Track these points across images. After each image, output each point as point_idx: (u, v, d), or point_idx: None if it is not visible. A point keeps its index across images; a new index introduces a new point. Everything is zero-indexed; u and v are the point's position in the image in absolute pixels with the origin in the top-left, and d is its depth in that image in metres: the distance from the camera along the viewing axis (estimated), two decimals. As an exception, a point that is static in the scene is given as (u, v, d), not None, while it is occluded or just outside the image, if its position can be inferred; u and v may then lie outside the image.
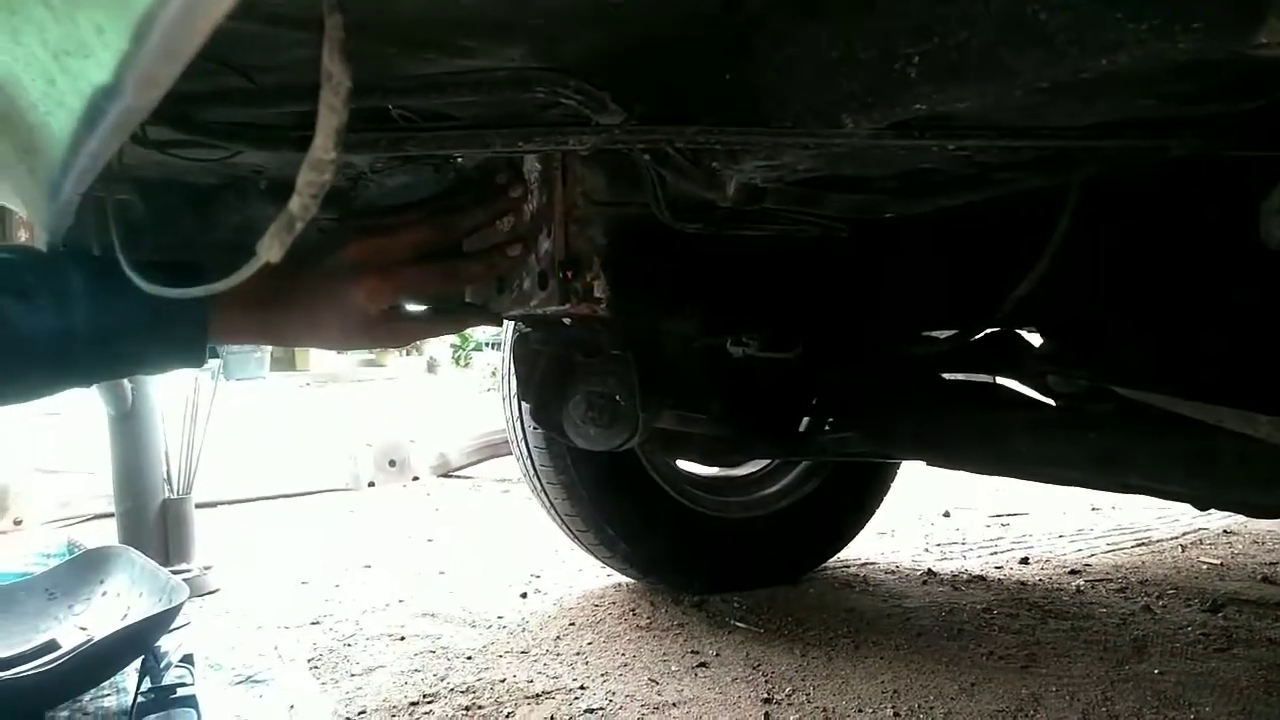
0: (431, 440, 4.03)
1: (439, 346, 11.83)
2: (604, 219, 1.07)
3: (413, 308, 1.08)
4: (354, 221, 1.04)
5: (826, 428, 1.61)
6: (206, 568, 2.23)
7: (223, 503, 3.38)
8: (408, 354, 11.67)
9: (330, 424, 5.53)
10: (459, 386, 9.05)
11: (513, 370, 1.82)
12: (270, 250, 0.49)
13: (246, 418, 5.79)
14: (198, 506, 2.31)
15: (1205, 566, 2.21)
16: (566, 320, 1.20)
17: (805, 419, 1.63)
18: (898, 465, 2.18)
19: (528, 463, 1.93)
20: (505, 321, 1.45)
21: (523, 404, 1.71)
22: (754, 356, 1.49)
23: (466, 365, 11.34)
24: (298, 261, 0.90)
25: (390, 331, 1.00)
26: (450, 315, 1.10)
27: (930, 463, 1.44)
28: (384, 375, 11.02)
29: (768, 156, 0.79)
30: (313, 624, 1.88)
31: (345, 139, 0.45)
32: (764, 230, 1.14)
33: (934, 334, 1.43)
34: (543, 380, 1.27)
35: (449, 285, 1.05)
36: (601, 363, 1.22)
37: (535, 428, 1.79)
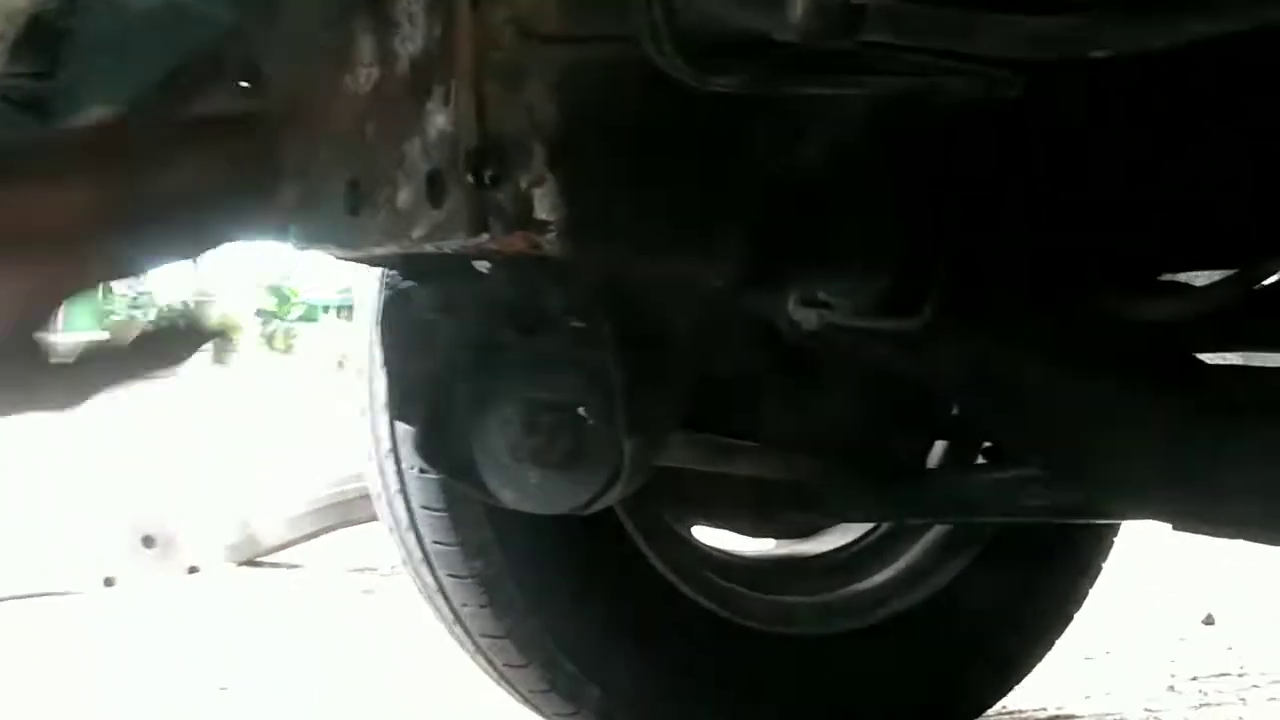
0: (224, 500, 3.64)
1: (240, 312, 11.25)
2: (552, 68, 1.06)
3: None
4: None
5: (980, 460, 1.66)
6: None
7: None
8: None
9: (53, 469, 5.01)
10: (275, 386, 8.48)
11: (380, 360, 1.72)
12: None
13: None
14: None
15: None
16: (483, 265, 1.20)
17: (939, 443, 1.69)
18: (1114, 530, 2.00)
19: (410, 537, 1.78)
20: (363, 268, 1.52)
21: (398, 424, 1.71)
22: (842, 327, 1.42)
23: (287, 349, 10.45)
24: None
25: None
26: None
27: (1182, 525, 1.38)
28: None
29: None
30: None
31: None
32: (860, 88, 1.11)
33: (1178, 280, 1.40)
34: (439, 380, 1.27)
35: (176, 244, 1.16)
36: (552, 345, 1.22)
37: (423, 470, 1.72)
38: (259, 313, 10.44)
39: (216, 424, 6.80)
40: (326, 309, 10.06)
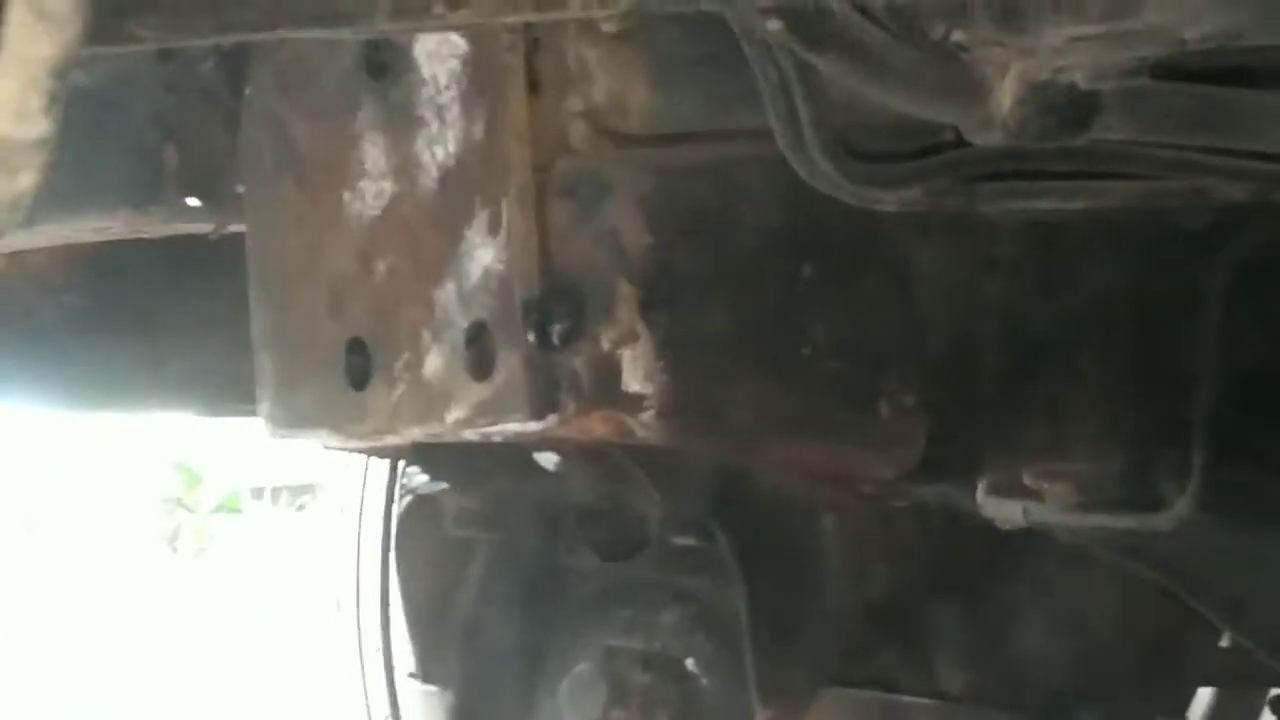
0: None
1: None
2: (645, 178, 1.10)
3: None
4: None
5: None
6: None
7: None
8: None
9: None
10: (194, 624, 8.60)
11: (392, 590, 1.75)
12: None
13: None
14: None
15: None
16: (548, 459, 1.22)
17: (1204, 692, 1.80)
18: None
19: None
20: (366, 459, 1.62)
21: (427, 685, 1.61)
22: (1058, 526, 1.43)
23: (198, 554, 10.26)
24: None
25: None
26: None
27: None
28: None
29: (1109, 14, 0.83)
30: None
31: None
32: (1087, 200, 1.13)
33: None
34: (480, 623, 1.30)
35: None
36: (647, 572, 1.26)
37: None
38: (163, 501, 10.47)
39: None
40: (259, 493, 10.04)
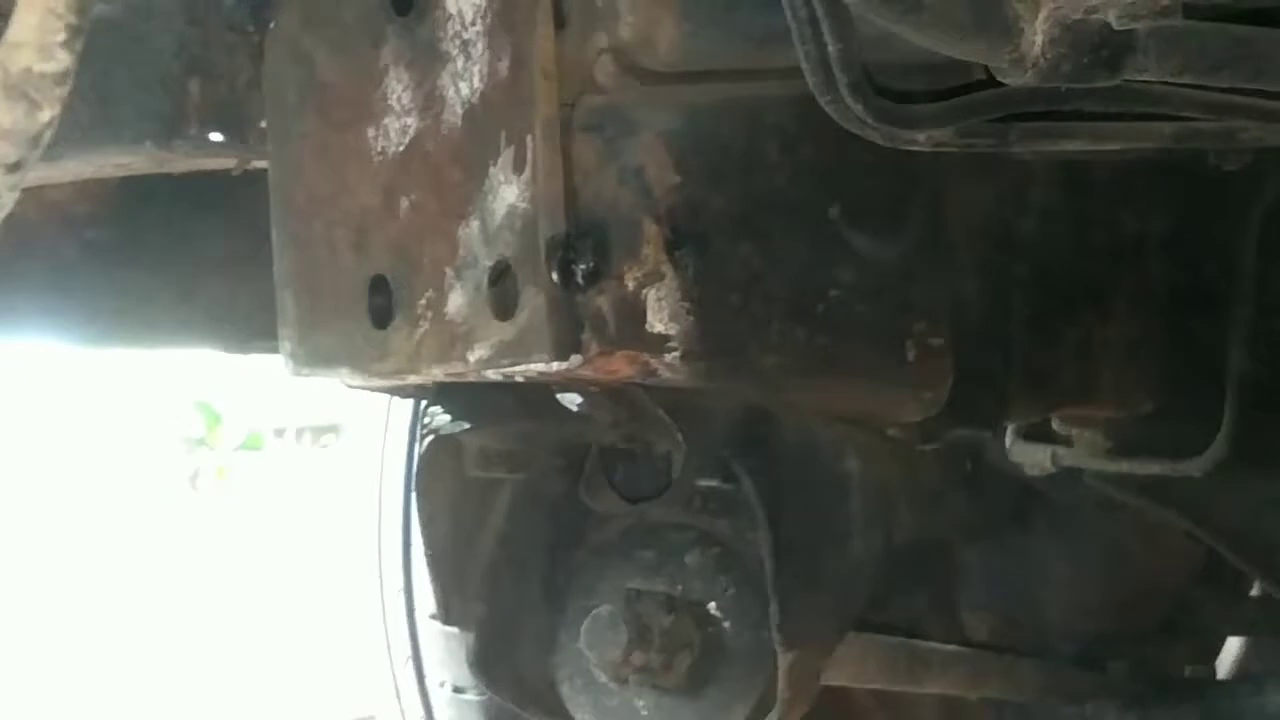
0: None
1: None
2: (672, 115, 1.10)
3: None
4: None
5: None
6: None
7: None
8: None
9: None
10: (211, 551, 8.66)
11: (414, 531, 1.81)
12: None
13: None
14: None
15: None
16: (572, 399, 1.23)
17: (1234, 641, 1.81)
18: None
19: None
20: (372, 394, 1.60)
21: (431, 625, 1.76)
22: (1087, 472, 1.44)
23: (221, 490, 10.30)
24: None
25: None
26: None
27: None
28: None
29: None
30: None
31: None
32: (1121, 142, 1.12)
33: None
34: (503, 565, 1.31)
35: None
36: (671, 513, 1.26)
37: (471, 689, 1.71)
38: (184, 441, 10.57)
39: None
40: (281, 433, 10.17)
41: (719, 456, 1.22)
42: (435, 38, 1.15)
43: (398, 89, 1.17)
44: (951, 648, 1.63)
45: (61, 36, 0.65)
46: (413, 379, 1.19)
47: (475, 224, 1.13)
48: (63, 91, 0.69)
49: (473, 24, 1.12)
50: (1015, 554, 1.66)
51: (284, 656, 5.32)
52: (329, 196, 1.23)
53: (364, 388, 1.28)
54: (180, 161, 1.29)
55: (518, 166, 1.11)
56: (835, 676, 1.49)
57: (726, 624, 1.22)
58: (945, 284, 1.27)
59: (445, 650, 1.85)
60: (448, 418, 1.36)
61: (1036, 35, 0.87)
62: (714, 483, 1.23)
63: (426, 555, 1.51)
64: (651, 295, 1.07)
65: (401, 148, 1.18)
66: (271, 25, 1.22)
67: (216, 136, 1.26)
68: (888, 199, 1.18)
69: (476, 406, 1.31)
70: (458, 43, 1.14)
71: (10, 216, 1.00)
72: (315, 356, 1.25)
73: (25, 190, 1.44)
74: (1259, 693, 1.71)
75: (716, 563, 1.22)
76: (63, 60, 0.67)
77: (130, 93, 1.25)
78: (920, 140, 1.04)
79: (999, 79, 0.91)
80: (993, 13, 0.87)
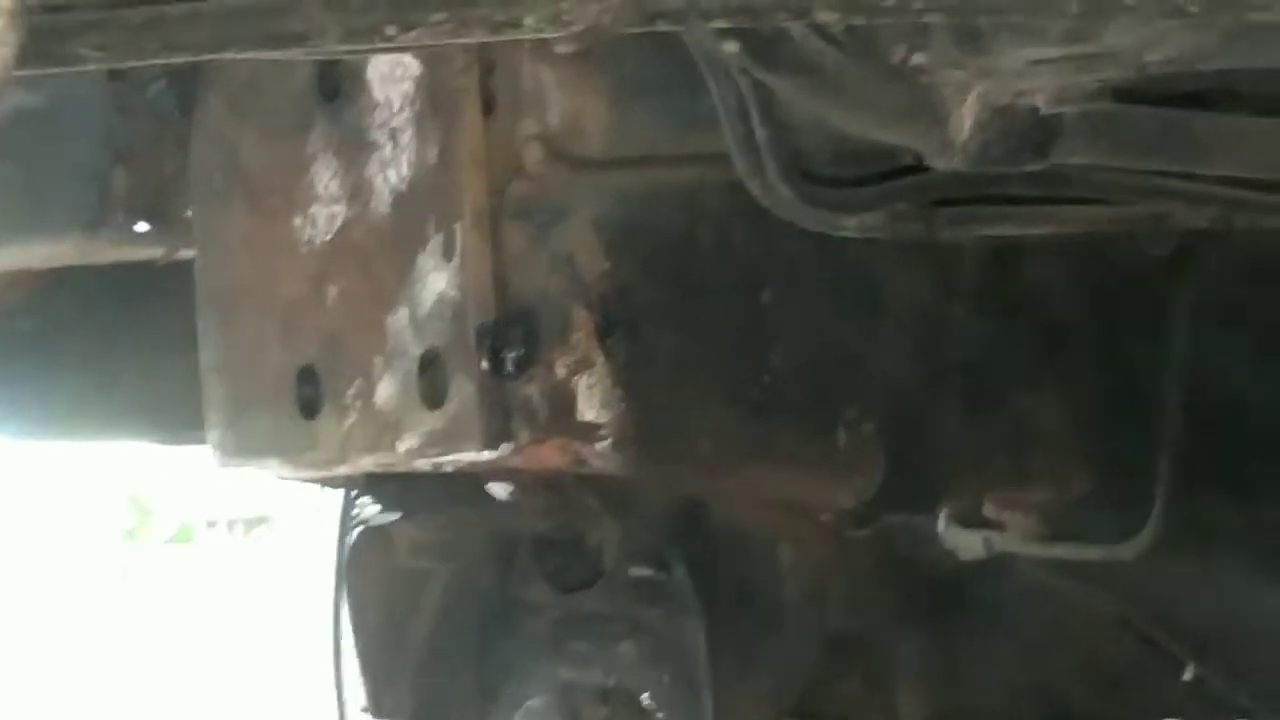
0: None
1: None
2: (601, 201, 1.11)
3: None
4: None
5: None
6: None
7: None
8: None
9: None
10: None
11: (344, 623, 1.64)
12: None
13: None
14: None
15: None
16: (502, 489, 1.23)
17: None
18: None
19: None
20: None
21: (380, 718, 1.62)
22: (1021, 557, 1.45)
23: (150, 584, 10.37)
24: None
25: None
26: None
27: None
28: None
29: (1070, 37, 0.83)
30: None
31: None
32: (1049, 226, 1.15)
33: None
34: (434, 657, 1.31)
35: None
36: (602, 604, 1.26)
37: None
38: (116, 534, 10.61)
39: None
40: (213, 525, 10.26)
41: (651, 545, 1.22)
42: (363, 125, 1.15)
43: (325, 176, 1.17)
44: (886, 736, 1.62)
45: None
46: (342, 469, 1.19)
47: (404, 313, 1.13)
48: None
49: (400, 111, 1.13)
50: (950, 639, 1.64)
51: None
52: (256, 286, 1.23)
53: (293, 478, 1.28)
54: (106, 252, 1.28)
55: (447, 254, 1.12)
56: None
57: (660, 715, 1.21)
58: (877, 369, 1.26)
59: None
60: (377, 508, 1.35)
61: (965, 119, 0.87)
62: (647, 572, 1.23)
63: (356, 647, 1.50)
64: (582, 383, 1.07)
65: (329, 236, 1.18)
66: (197, 113, 1.22)
67: (142, 227, 1.25)
68: (817, 285, 1.18)
69: (406, 496, 1.30)
70: (386, 130, 1.15)
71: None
72: (243, 447, 1.24)
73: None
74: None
75: (650, 653, 1.22)
76: None
77: (55, 183, 1.24)
78: (850, 226, 1.05)
79: (929, 163, 0.92)
80: (921, 97, 0.87)
